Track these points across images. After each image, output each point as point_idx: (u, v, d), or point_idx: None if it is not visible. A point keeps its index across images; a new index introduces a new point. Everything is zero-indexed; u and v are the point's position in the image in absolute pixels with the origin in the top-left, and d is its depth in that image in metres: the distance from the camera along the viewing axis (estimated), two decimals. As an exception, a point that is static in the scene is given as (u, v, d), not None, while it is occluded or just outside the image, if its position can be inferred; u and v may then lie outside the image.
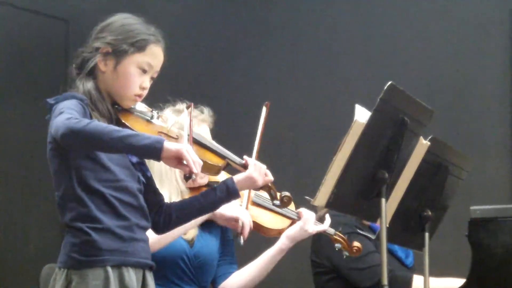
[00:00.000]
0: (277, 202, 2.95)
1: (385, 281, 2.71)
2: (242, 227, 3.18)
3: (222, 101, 5.41)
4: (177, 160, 2.45)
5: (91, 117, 2.59)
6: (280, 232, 3.39)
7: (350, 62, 5.55)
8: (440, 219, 3.23)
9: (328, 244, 3.46)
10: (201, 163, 2.50)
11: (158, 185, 2.90)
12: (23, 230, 5.06)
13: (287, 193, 2.97)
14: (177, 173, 3.28)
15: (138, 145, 2.40)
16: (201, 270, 3.31)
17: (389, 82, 2.66)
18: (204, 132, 3.27)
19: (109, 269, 2.55)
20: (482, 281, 3.33)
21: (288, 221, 3.40)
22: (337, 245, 3.40)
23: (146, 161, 2.80)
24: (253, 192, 3.38)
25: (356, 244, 3.39)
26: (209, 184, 3.33)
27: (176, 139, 2.70)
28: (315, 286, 3.72)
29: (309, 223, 3.37)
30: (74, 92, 2.66)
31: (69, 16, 5.24)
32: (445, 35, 5.45)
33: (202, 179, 3.30)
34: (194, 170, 2.45)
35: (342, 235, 3.40)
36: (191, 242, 3.30)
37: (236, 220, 3.21)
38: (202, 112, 3.40)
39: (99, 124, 2.44)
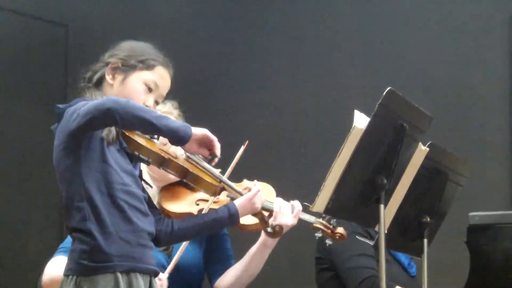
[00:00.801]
0: (270, 230, 3.00)
1: (383, 286, 2.70)
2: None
3: (220, 103, 5.43)
4: (198, 145, 2.63)
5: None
6: (257, 227, 3.24)
7: (350, 68, 5.55)
8: (439, 225, 3.23)
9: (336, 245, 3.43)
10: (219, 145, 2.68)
11: None
12: (22, 232, 5.06)
13: (279, 223, 3.00)
14: (144, 171, 3.22)
15: (173, 125, 2.54)
16: (182, 281, 3.25)
17: (388, 88, 2.66)
18: None
19: (119, 274, 2.56)
20: (481, 287, 3.33)
21: (265, 213, 3.22)
22: (317, 234, 3.32)
23: None
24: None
25: (340, 230, 3.29)
26: (185, 183, 3.30)
27: (175, 157, 2.75)
28: (317, 285, 3.71)
29: (286, 216, 3.22)
30: (82, 98, 2.70)
31: (69, 21, 5.25)
32: (444, 40, 5.45)
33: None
34: (217, 151, 2.66)
35: (324, 222, 3.28)
36: (168, 254, 3.27)
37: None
38: (164, 105, 3.32)
39: (135, 103, 2.53)
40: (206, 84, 5.49)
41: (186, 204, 3.23)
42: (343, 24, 5.62)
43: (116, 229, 2.58)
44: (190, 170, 2.77)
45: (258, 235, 3.32)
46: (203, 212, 3.17)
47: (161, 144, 2.76)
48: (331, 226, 3.26)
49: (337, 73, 5.57)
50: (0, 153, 5.04)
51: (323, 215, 3.29)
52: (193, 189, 3.23)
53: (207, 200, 3.24)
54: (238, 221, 2.88)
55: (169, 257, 3.27)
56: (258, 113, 5.56)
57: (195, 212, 3.23)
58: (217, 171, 2.87)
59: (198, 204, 3.26)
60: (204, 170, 2.83)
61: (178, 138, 2.56)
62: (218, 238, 3.41)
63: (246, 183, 3.30)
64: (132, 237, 2.61)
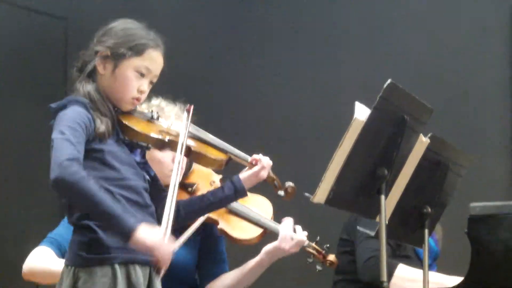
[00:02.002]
0: (282, 193, 2.96)
1: (384, 277, 2.71)
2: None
3: (221, 100, 5.43)
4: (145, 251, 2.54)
5: (94, 121, 2.60)
6: (250, 242, 3.30)
7: (350, 60, 5.55)
8: (440, 215, 3.24)
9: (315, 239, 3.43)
10: (167, 264, 2.58)
11: None
12: (22, 231, 5.05)
13: (291, 184, 2.97)
14: (164, 171, 3.26)
15: (113, 227, 2.50)
16: (177, 280, 3.24)
17: (389, 80, 2.67)
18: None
19: (117, 266, 2.57)
20: (482, 277, 3.33)
21: (260, 230, 3.31)
22: (309, 259, 3.32)
23: None
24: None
25: (331, 258, 3.34)
26: (186, 185, 3.31)
27: (176, 136, 2.73)
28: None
29: (285, 241, 3.27)
30: (75, 95, 2.68)
31: (68, 14, 5.24)
32: (445, 33, 5.46)
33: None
34: (161, 264, 2.58)
35: (316, 247, 3.34)
36: None
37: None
38: (174, 106, 3.33)
39: (91, 187, 2.46)
40: (204, 80, 5.49)
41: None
42: (344, 17, 5.61)
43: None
44: (193, 149, 2.76)
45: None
46: None
47: (161, 125, 2.75)
48: (323, 252, 3.28)
49: (338, 65, 5.57)
50: (-1, 151, 5.04)
51: (317, 238, 3.32)
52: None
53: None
54: (245, 194, 2.87)
55: None
56: (258, 105, 5.56)
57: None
58: (222, 142, 2.85)
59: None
60: (209, 143, 2.82)
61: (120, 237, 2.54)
62: (213, 239, 3.39)
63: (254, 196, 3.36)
64: None
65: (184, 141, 2.71)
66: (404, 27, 5.50)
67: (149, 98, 3.03)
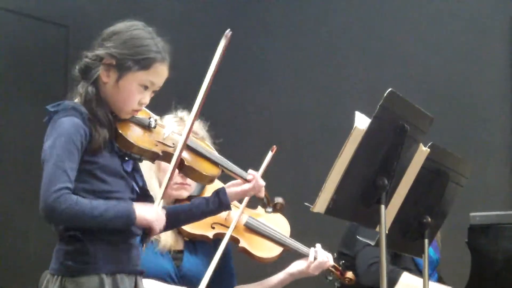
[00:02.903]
0: (270, 210, 2.96)
1: (384, 286, 2.71)
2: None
3: (220, 107, 5.42)
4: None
5: (90, 133, 2.58)
6: (271, 260, 3.35)
7: (350, 68, 5.55)
8: (440, 225, 3.23)
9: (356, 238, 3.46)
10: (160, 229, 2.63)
11: None
12: (23, 233, 5.05)
13: (279, 200, 2.97)
14: (154, 179, 3.26)
15: (113, 225, 2.54)
16: None
17: (389, 89, 2.67)
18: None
19: (104, 276, 2.56)
20: (482, 287, 3.32)
21: (280, 249, 3.36)
22: (329, 277, 3.40)
23: None
24: (247, 215, 3.36)
25: (349, 275, 3.39)
26: (190, 197, 3.32)
27: (172, 147, 2.72)
28: None
29: (315, 267, 3.34)
30: (75, 101, 2.65)
31: (70, 22, 5.24)
32: (445, 41, 5.45)
33: (187, 191, 3.30)
34: (151, 234, 2.62)
35: (335, 265, 3.39)
36: (176, 262, 3.28)
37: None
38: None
39: (80, 208, 2.49)
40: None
41: (201, 225, 3.24)
42: (344, 24, 5.61)
43: (101, 234, 2.57)
44: (186, 163, 2.74)
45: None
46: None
47: (157, 135, 2.72)
48: (340, 269, 3.32)
49: (338, 74, 5.57)
50: (0, 153, 5.03)
51: (334, 255, 3.36)
52: None
53: (222, 224, 3.29)
54: (229, 208, 2.87)
55: (178, 267, 3.27)
56: (258, 113, 5.56)
57: (211, 236, 3.29)
58: (218, 156, 2.84)
59: (213, 228, 3.30)
60: (204, 157, 2.81)
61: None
62: (223, 255, 3.35)
63: (259, 209, 3.40)
64: (117, 239, 2.60)
65: (179, 154, 2.70)
66: (405, 35, 5.50)
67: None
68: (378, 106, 2.64)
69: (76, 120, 2.57)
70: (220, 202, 2.83)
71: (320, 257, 3.36)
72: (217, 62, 2.75)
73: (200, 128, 3.35)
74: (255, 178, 2.88)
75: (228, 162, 2.87)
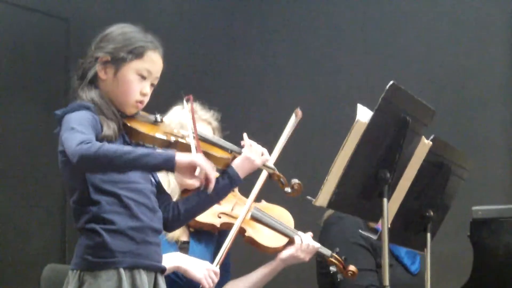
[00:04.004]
0: (288, 189, 2.95)
1: (386, 282, 2.70)
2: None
3: (221, 102, 5.41)
4: (190, 171, 2.55)
5: (100, 124, 2.61)
6: (276, 250, 3.37)
7: (352, 62, 5.54)
8: (442, 219, 3.22)
9: (334, 249, 3.45)
10: (215, 168, 2.61)
11: None
12: (24, 230, 5.05)
13: (297, 180, 2.96)
14: (171, 175, 3.27)
15: (151, 163, 2.51)
16: (192, 281, 3.23)
17: (391, 82, 2.66)
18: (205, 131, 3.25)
19: (122, 270, 2.57)
20: (484, 281, 3.33)
21: (286, 239, 3.37)
22: (332, 268, 3.39)
23: None
24: (253, 206, 3.38)
25: (352, 268, 3.39)
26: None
27: (182, 137, 2.73)
28: (318, 285, 3.71)
29: (304, 251, 3.36)
30: (79, 101, 2.67)
31: (70, 15, 5.24)
32: (447, 35, 5.44)
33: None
34: (210, 178, 2.58)
35: (338, 257, 3.39)
36: (183, 252, 3.27)
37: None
38: (207, 111, 3.41)
39: (111, 147, 2.49)
40: (206, 81, 5.48)
41: (209, 214, 3.24)
42: (346, 18, 5.60)
43: (122, 227, 2.60)
44: (201, 148, 2.75)
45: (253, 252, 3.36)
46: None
47: (165, 127, 2.75)
48: (342, 262, 3.34)
49: (339, 67, 5.56)
50: (0, 151, 5.03)
51: (337, 249, 3.39)
52: None
53: (229, 215, 3.32)
54: (241, 181, 2.85)
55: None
56: (259, 108, 5.55)
57: (218, 225, 3.31)
58: (227, 143, 2.85)
59: (220, 217, 3.32)
60: (214, 144, 2.82)
61: (164, 171, 2.60)
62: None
63: (263, 202, 3.44)
64: (138, 235, 2.62)
65: (194, 129, 2.71)
66: (406, 29, 5.49)
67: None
68: (380, 99, 2.63)
69: (85, 112, 2.61)
70: (229, 176, 2.80)
71: (305, 240, 3.37)
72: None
73: (213, 118, 3.41)
74: (246, 142, 2.87)
75: (234, 146, 2.87)
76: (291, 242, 3.37)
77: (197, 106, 3.37)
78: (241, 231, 3.33)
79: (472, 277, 3.34)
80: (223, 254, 3.23)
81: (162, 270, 2.71)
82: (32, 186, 5.05)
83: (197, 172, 2.57)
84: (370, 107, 2.67)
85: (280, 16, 5.70)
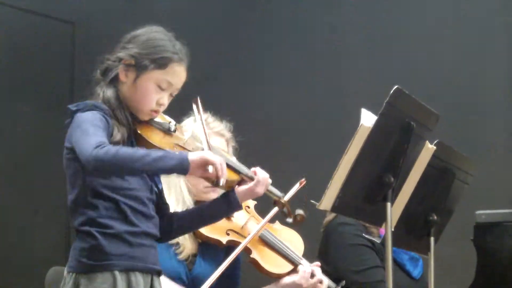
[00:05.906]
0: (290, 220, 2.94)
1: (390, 285, 2.70)
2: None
3: (223, 107, 5.42)
4: (202, 169, 2.53)
5: (111, 127, 2.61)
6: (279, 276, 3.33)
7: (356, 66, 5.54)
8: (446, 223, 3.22)
9: (336, 254, 3.45)
10: (225, 165, 2.57)
11: (165, 193, 2.91)
12: (28, 232, 5.06)
13: (301, 212, 2.95)
14: (182, 182, 3.28)
15: (166, 167, 2.50)
16: None
17: (395, 86, 2.66)
18: (218, 144, 3.22)
19: (117, 273, 2.57)
20: (487, 285, 3.33)
21: (290, 267, 3.35)
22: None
23: None
24: (265, 227, 3.35)
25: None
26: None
27: (192, 150, 2.70)
28: None
29: (307, 280, 3.32)
30: (95, 100, 2.67)
31: (75, 18, 5.25)
32: (451, 39, 5.45)
33: (215, 193, 3.25)
34: (220, 174, 2.55)
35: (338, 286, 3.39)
36: (189, 265, 3.28)
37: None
38: (220, 123, 3.40)
39: (127, 152, 2.48)
40: (209, 81, 5.49)
41: (217, 230, 3.25)
42: (349, 21, 5.61)
43: (117, 231, 2.60)
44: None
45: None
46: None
47: (177, 139, 2.74)
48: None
49: (343, 72, 5.56)
50: (4, 152, 5.04)
51: (343, 282, 3.39)
52: (227, 217, 3.23)
53: (238, 233, 3.29)
54: (240, 208, 2.83)
55: (190, 270, 3.28)
56: (263, 111, 5.56)
57: (224, 242, 3.28)
58: (237, 164, 2.83)
59: (228, 234, 3.29)
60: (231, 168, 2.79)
61: (178, 173, 2.57)
62: (233, 263, 3.35)
63: (277, 224, 3.40)
64: (133, 239, 2.62)
65: (207, 138, 2.72)
66: (410, 33, 5.49)
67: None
68: (384, 103, 2.64)
69: (97, 114, 2.60)
70: (229, 202, 2.79)
71: (308, 269, 3.34)
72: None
73: (226, 130, 3.39)
74: (257, 173, 2.84)
75: (243, 167, 2.84)
76: (295, 269, 3.35)
77: (209, 117, 3.35)
78: (247, 251, 3.30)
79: (475, 281, 3.34)
80: (220, 272, 3.16)
81: (158, 272, 2.71)
82: (36, 188, 5.06)
83: (210, 170, 2.55)
84: (374, 111, 2.68)
85: (284, 20, 5.70)
